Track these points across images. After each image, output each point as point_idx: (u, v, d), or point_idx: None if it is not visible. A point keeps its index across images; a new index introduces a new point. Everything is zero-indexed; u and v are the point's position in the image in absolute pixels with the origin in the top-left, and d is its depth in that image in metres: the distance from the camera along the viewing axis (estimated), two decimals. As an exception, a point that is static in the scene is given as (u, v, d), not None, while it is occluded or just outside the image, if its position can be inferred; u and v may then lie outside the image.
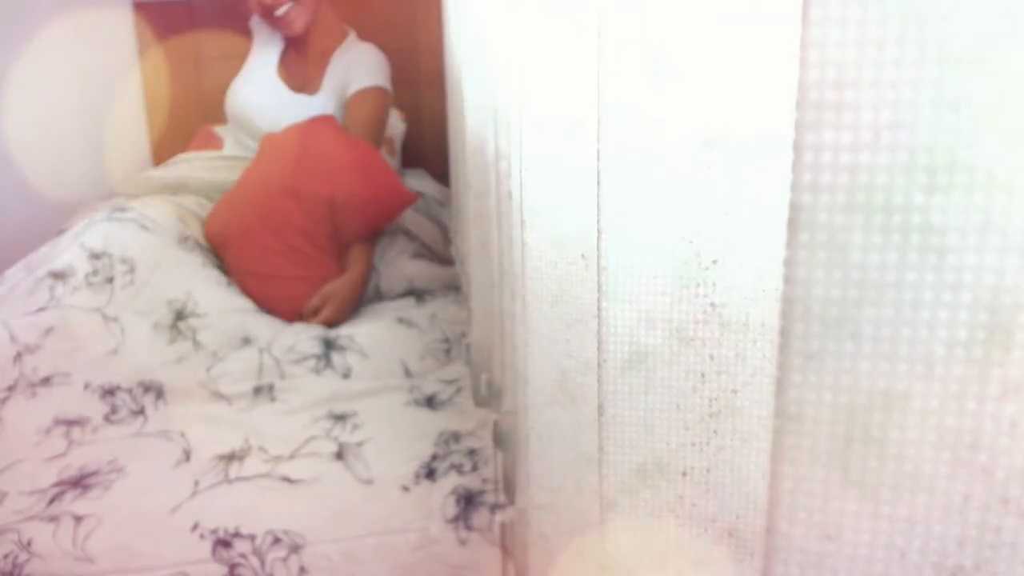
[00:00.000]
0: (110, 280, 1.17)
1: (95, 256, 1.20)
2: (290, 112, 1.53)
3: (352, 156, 1.34)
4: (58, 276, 1.15)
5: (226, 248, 1.33)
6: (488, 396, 0.95)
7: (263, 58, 1.66)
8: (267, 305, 1.27)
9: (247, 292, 1.28)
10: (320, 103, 1.58)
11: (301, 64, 1.65)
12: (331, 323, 1.25)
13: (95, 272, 1.17)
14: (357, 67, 1.61)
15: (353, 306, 1.31)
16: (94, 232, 1.23)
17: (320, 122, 1.42)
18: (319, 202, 1.29)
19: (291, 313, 1.27)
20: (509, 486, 0.79)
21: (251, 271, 1.29)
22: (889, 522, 0.35)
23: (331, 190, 1.29)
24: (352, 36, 1.68)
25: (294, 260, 1.29)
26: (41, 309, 1.10)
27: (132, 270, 1.19)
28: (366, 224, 1.35)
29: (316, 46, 1.63)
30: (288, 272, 1.29)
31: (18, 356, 1.03)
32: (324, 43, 1.63)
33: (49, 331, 1.07)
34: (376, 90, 1.60)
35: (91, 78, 2.12)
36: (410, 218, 1.46)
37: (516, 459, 0.69)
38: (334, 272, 1.32)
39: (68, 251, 1.19)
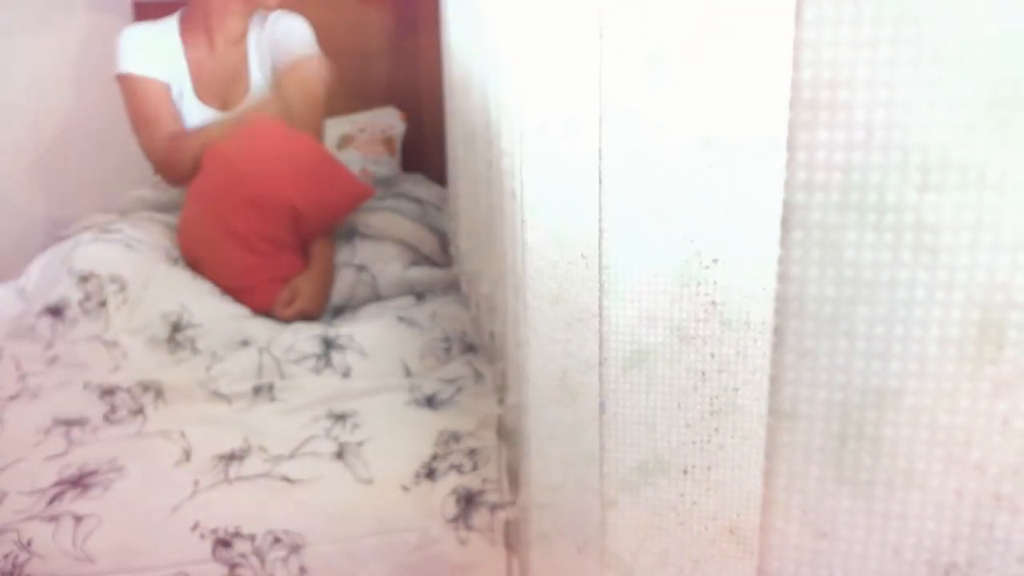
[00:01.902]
0: (103, 304, 1.18)
1: (83, 279, 1.20)
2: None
3: (304, 158, 1.32)
4: (55, 313, 1.16)
5: (200, 267, 1.33)
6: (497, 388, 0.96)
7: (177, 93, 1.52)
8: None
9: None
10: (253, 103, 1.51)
11: (217, 73, 1.52)
12: (305, 315, 1.26)
13: (87, 298, 1.18)
14: (279, 39, 1.50)
15: (324, 298, 1.31)
16: (80, 254, 1.24)
17: (262, 127, 1.35)
18: (280, 209, 1.28)
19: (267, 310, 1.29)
20: (514, 481, 0.79)
21: (228, 286, 1.30)
22: (883, 519, 0.36)
23: (290, 196, 1.28)
24: (258, 14, 1.55)
25: (264, 266, 1.30)
26: (48, 346, 1.13)
27: (123, 288, 1.20)
28: (326, 223, 1.35)
29: (224, 44, 1.52)
30: (260, 278, 1.29)
31: (22, 377, 1.05)
32: (231, 32, 1.51)
33: (53, 360, 1.10)
34: (305, 61, 1.47)
35: (90, 80, 2.12)
36: (407, 228, 1.46)
37: (518, 456, 0.69)
38: (298, 267, 1.33)
39: (60, 283, 1.20)
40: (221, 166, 1.33)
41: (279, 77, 1.50)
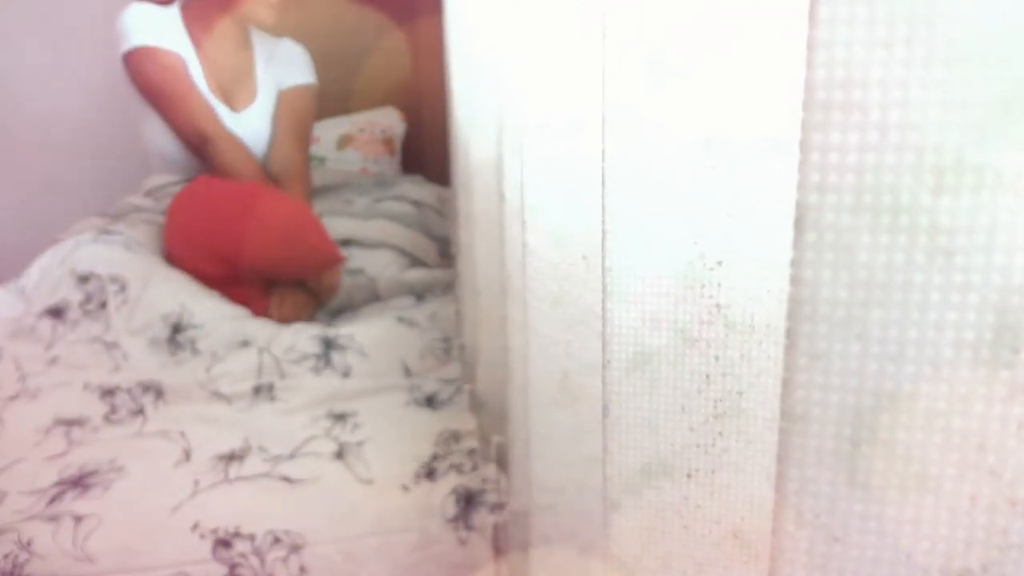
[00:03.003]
0: (103, 305, 1.18)
1: (83, 279, 1.20)
2: (244, 132, 1.51)
3: (279, 224, 1.29)
4: (56, 314, 1.16)
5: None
6: (473, 405, 0.96)
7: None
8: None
9: None
10: (258, 111, 1.56)
11: (222, 69, 1.56)
12: (299, 318, 1.28)
13: (88, 299, 1.18)
14: (286, 63, 1.61)
15: (310, 302, 1.33)
16: (81, 255, 1.23)
17: (251, 187, 1.39)
18: (249, 269, 1.28)
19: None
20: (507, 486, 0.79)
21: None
22: (896, 524, 0.35)
23: (262, 264, 1.28)
24: (256, 31, 1.63)
25: (238, 295, 1.29)
26: (48, 346, 1.13)
27: (124, 288, 1.20)
28: (299, 279, 1.35)
29: (229, 45, 1.56)
30: (239, 301, 1.30)
31: (22, 377, 1.05)
32: (234, 39, 1.56)
33: (53, 361, 1.09)
34: (308, 88, 1.61)
35: (90, 81, 2.12)
36: (403, 236, 1.46)
37: (515, 460, 0.69)
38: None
39: (61, 284, 1.20)
40: (194, 213, 1.32)
41: (278, 98, 1.59)
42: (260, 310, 1.29)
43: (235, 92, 1.56)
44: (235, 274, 1.28)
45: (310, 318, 1.31)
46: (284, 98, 1.59)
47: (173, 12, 1.53)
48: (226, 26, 1.53)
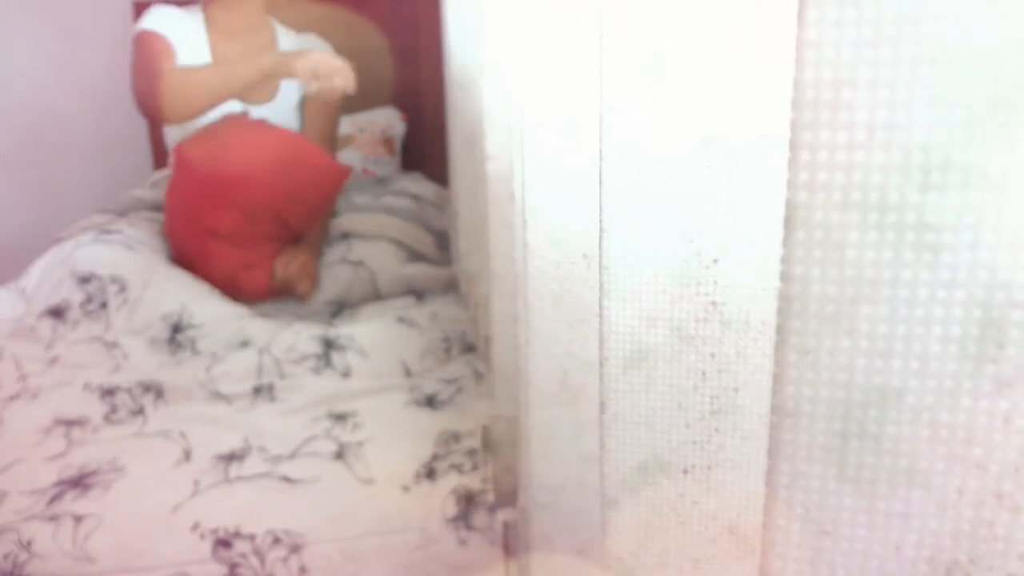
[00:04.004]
0: (104, 305, 1.18)
1: (84, 280, 1.21)
2: None
3: (277, 155, 1.30)
4: (56, 314, 1.17)
5: (190, 264, 1.33)
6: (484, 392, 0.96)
7: None
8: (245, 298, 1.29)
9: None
10: (277, 109, 1.56)
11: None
12: (301, 281, 1.29)
13: (89, 299, 1.19)
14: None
15: (316, 270, 1.34)
16: (81, 256, 1.24)
17: (233, 123, 1.36)
18: (262, 210, 1.28)
19: (265, 294, 1.30)
20: (500, 489, 0.79)
21: (220, 279, 1.30)
22: (885, 517, 0.36)
23: (271, 198, 1.28)
24: (280, 27, 1.64)
25: (250, 257, 1.30)
26: (48, 346, 1.13)
27: (124, 289, 1.20)
28: (312, 213, 1.35)
29: (251, 42, 1.56)
30: (248, 265, 1.30)
31: (23, 377, 1.05)
32: (259, 39, 1.57)
33: (53, 361, 1.10)
34: (333, 90, 1.62)
35: (90, 80, 2.12)
36: (400, 228, 1.46)
37: (517, 459, 0.69)
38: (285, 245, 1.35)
39: (61, 285, 1.20)
40: (195, 169, 1.32)
41: (305, 97, 1.59)
42: (269, 271, 1.29)
43: (258, 91, 1.58)
44: (244, 229, 1.28)
45: (309, 290, 1.32)
46: (309, 104, 1.59)
47: (195, 12, 1.56)
48: (251, 26, 1.55)
